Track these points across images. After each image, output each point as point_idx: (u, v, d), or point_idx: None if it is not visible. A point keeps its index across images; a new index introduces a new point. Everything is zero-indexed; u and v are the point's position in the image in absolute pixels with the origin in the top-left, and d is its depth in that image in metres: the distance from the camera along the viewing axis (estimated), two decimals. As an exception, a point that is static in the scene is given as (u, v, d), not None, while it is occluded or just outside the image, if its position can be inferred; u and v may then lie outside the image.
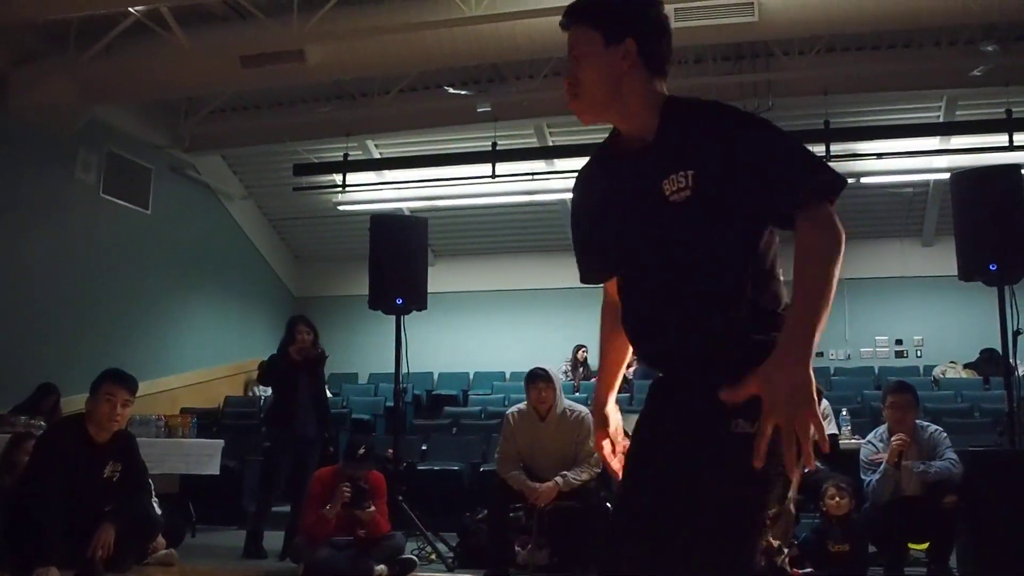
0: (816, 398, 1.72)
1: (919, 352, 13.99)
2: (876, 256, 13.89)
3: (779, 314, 1.96)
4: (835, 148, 11.15)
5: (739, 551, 1.78)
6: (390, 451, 7.69)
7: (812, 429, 1.66)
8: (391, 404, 9.28)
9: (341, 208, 13.88)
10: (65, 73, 9.95)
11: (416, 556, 6.42)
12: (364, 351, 14.10)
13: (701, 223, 1.94)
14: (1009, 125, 10.55)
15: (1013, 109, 10.57)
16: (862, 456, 6.02)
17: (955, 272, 6.48)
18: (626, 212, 2.11)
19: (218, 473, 8.32)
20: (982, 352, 12.39)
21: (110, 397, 4.65)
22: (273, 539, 7.09)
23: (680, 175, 1.95)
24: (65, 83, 10.03)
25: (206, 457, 8.02)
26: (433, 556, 6.63)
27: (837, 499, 5.65)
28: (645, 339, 2.16)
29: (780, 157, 1.93)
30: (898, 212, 13.63)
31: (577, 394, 11.54)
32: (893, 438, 5.80)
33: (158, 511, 6.52)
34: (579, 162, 12.44)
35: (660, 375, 2.22)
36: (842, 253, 1.89)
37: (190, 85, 10.73)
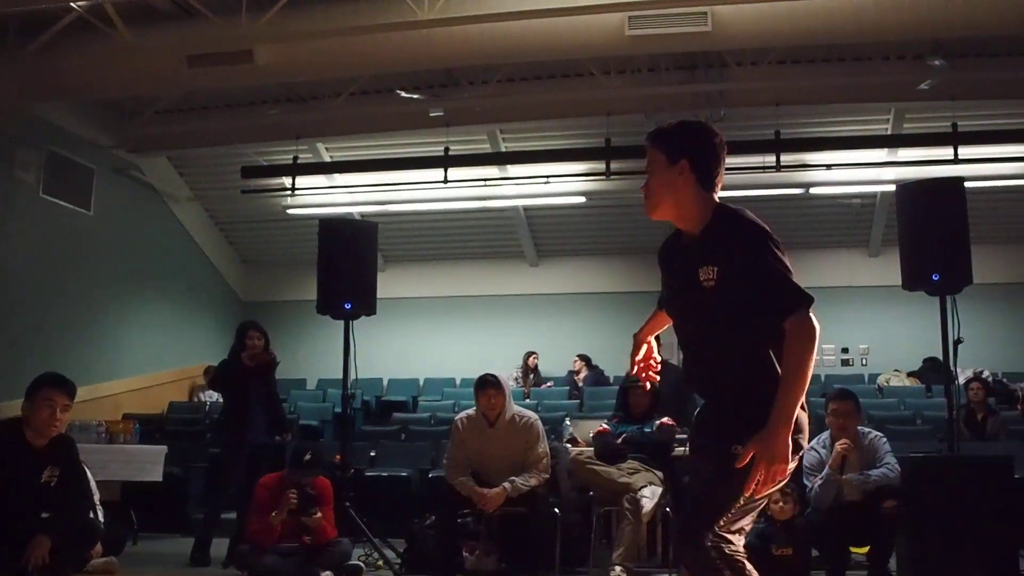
0: (789, 456, 2.58)
1: (864, 360, 14.21)
2: (823, 266, 14.05)
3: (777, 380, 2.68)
4: (785, 158, 11.25)
5: (714, 498, 2.72)
6: (338, 457, 7.60)
7: (778, 478, 2.60)
8: (340, 410, 9.19)
9: (290, 212, 13.74)
10: (4, 70, 9.71)
11: (363, 562, 6.38)
12: (313, 357, 13.97)
13: (723, 306, 2.73)
14: (955, 139, 10.73)
15: (959, 123, 10.75)
16: (805, 462, 6.03)
17: (900, 282, 6.56)
18: (680, 286, 2.91)
19: (161, 480, 8.18)
20: (925, 361, 12.60)
21: (49, 402, 4.53)
22: (218, 546, 6.96)
23: (710, 268, 2.73)
24: (4, 80, 9.79)
25: (149, 464, 7.87)
26: (380, 562, 6.58)
27: (781, 504, 5.70)
28: (688, 372, 2.97)
29: (777, 281, 2.68)
30: (846, 223, 13.85)
31: (527, 401, 11.52)
32: (838, 444, 5.87)
33: (100, 518, 6.39)
34: (532, 168, 12.48)
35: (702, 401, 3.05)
36: (816, 346, 2.62)
37: (135, 84, 10.50)
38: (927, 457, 6.47)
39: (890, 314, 13.45)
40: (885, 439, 6.16)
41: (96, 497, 6.60)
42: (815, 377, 13.74)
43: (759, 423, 2.59)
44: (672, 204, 2.84)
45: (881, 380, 12.91)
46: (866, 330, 14.10)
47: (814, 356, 2.62)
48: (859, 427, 6.17)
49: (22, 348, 10.68)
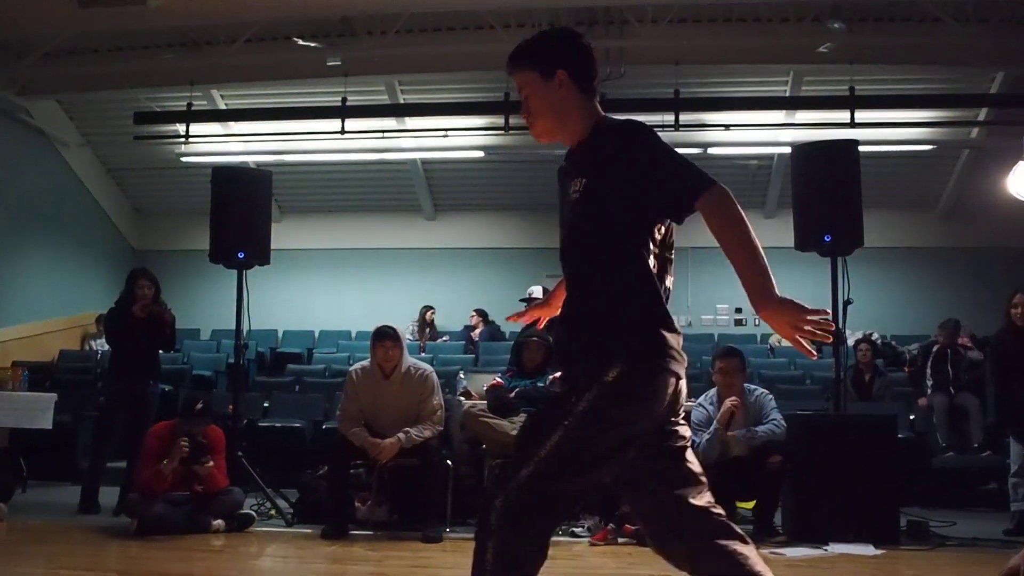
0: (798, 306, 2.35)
1: (757, 321, 14.42)
2: (718, 225, 14.41)
3: (661, 307, 2.46)
4: (684, 118, 11.36)
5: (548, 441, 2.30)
6: (230, 407, 7.63)
7: (808, 315, 2.32)
8: (233, 361, 9.18)
9: (184, 160, 13.52)
10: None
11: (255, 511, 6.43)
12: (206, 307, 13.82)
13: (585, 219, 2.48)
14: (851, 102, 10.92)
15: (856, 87, 10.95)
16: (692, 418, 6.25)
17: (792, 244, 6.74)
18: (562, 206, 2.65)
19: (50, 428, 8.08)
20: (816, 322, 12.94)
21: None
22: (108, 495, 6.98)
23: (579, 180, 2.51)
24: None
25: (38, 411, 7.75)
26: (272, 512, 6.65)
27: None
28: (565, 305, 2.59)
29: (679, 165, 2.45)
30: (743, 184, 13.97)
31: (423, 355, 11.64)
32: (727, 400, 6.07)
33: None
34: (430, 121, 12.48)
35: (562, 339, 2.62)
36: (743, 214, 2.44)
37: (23, 24, 10.16)
38: (813, 414, 6.73)
39: (783, 275, 13.39)
40: (771, 396, 6.36)
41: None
42: (707, 336, 14.16)
43: (627, 351, 2.33)
44: (560, 122, 2.58)
45: (773, 340, 13.14)
46: (759, 291, 14.44)
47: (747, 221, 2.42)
48: (745, 384, 6.38)
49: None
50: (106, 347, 12.32)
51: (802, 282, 13.05)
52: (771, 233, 13.52)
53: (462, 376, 7.84)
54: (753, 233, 2.42)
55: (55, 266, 13.72)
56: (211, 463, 6.06)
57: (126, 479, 6.72)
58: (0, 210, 12.40)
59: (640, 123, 2.49)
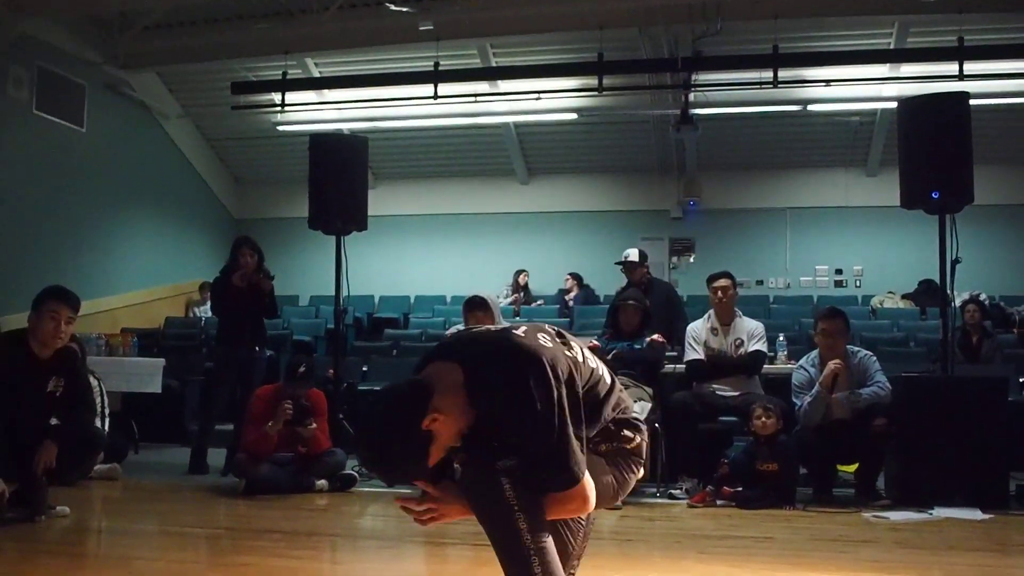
0: None
1: (858, 282, 14.21)
2: (819, 186, 14.04)
3: None
4: (783, 74, 10.97)
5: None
6: (331, 371, 7.77)
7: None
8: (332, 326, 9.35)
9: (280, 128, 13.73)
10: (-9, -16, 9.64)
11: (357, 472, 6.53)
12: (305, 274, 14.07)
13: None
14: (960, 54, 10.33)
15: (965, 37, 10.38)
16: (794, 380, 6.15)
17: (897, 203, 6.51)
18: None
19: (160, 392, 8.37)
20: (920, 283, 12.50)
21: (53, 315, 4.63)
22: (216, 456, 7.19)
23: None
24: (-8, -5, 9.73)
25: (148, 376, 8.04)
26: (373, 472, 6.72)
27: (764, 419, 5.76)
28: None
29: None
30: (844, 141, 13.68)
31: (517, 319, 11.67)
32: (831, 363, 5.89)
33: (107, 428, 6.59)
34: (522, 84, 12.33)
35: None
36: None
37: (124, -1, 10.41)
38: (920, 376, 6.46)
39: (886, 236, 13.43)
40: (875, 358, 6.16)
41: (106, 408, 6.80)
42: (806, 298, 13.90)
43: None
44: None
45: (875, 302, 12.91)
46: (861, 252, 14.07)
47: None
48: (848, 346, 6.19)
49: (17, 265, 10.78)
50: (209, 314, 12.70)
51: (907, 242, 12.77)
52: (873, 192, 13.42)
53: (558, 339, 7.76)
54: None
55: (159, 236, 14.12)
56: (314, 425, 6.17)
57: (233, 441, 6.91)
58: (106, 183, 12.78)
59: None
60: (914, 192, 6.36)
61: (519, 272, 13.70)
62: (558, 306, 13.18)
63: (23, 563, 3.91)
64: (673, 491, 6.11)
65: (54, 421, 4.79)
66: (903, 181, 6.44)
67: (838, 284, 14.28)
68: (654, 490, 6.23)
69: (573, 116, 13.17)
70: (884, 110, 12.45)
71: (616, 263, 8.09)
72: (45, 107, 11.65)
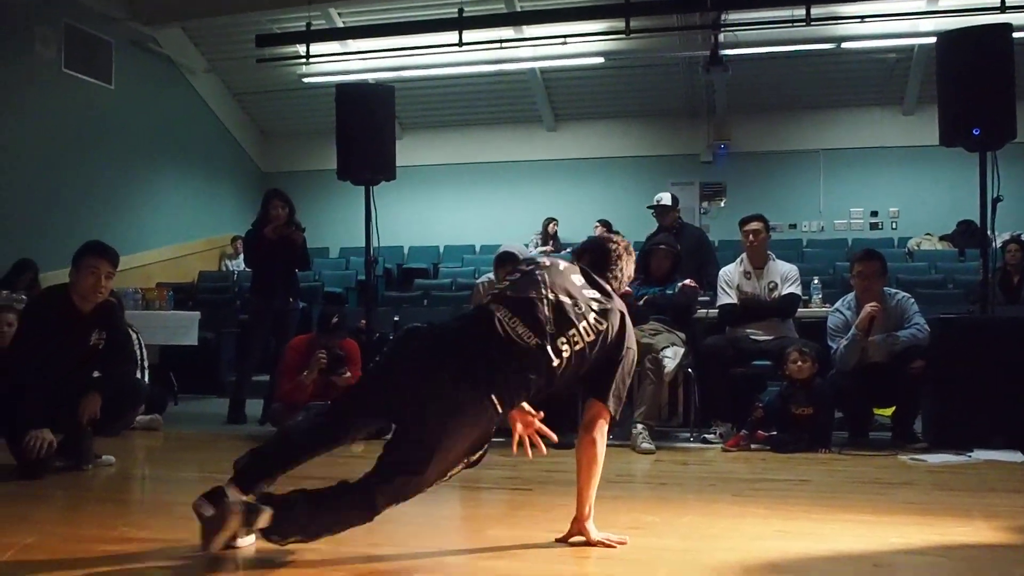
0: None
1: (894, 224, 14.03)
2: (853, 125, 13.81)
3: None
4: (816, 11, 10.60)
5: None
6: (363, 322, 7.82)
7: None
8: (363, 278, 9.38)
9: (306, 80, 13.70)
10: (16, -59, 9.63)
11: (392, 420, 6.59)
12: (335, 225, 14.12)
13: None
14: None
15: None
16: (829, 324, 6.08)
17: (935, 142, 6.38)
18: None
19: (196, 344, 8.47)
20: (959, 224, 12.33)
21: (93, 270, 4.68)
22: (253, 406, 7.29)
23: None
24: (16, -49, 9.72)
25: (183, 328, 8.14)
26: (408, 421, 6.78)
27: (799, 363, 5.73)
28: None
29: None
30: (879, 79, 13.40)
31: (547, 264, 11.63)
32: (867, 306, 5.79)
33: (146, 379, 6.69)
34: (548, 28, 12.17)
35: None
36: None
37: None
38: (958, 318, 6.32)
39: (923, 176, 13.24)
40: (912, 300, 6.05)
41: (145, 360, 6.90)
42: (840, 241, 13.75)
43: None
44: None
45: (912, 244, 12.74)
46: (897, 192, 13.88)
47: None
48: (885, 288, 6.08)
49: (50, 223, 10.88)
50: (242, 267, 12.80)
51: (945, 182, 12.50)
52: (910, 131, 13.19)
53: (587, 285, 7.74)
54: None
55: (189, 191, 14.20)
56: (348, 374, 6.22)
57: (269, 391, 7.00)
58: (135, 139, 12.84)
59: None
60: (953, 129, 6.23)
61: (548, 220, 13.66)
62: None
63: (72, 510, 4.03)
64: (707, 436, 6.13)
65: (96, 374, 4.88)
66: (942, 118, 6.31)
67: (873, 227, 14.12)
68: (688, 435, 6.27)
69: (600, 60, 13.03)
70: (921, 46, 12.15)
71: (648, 207, 8.06)
72: (73, 65, 11.69)
